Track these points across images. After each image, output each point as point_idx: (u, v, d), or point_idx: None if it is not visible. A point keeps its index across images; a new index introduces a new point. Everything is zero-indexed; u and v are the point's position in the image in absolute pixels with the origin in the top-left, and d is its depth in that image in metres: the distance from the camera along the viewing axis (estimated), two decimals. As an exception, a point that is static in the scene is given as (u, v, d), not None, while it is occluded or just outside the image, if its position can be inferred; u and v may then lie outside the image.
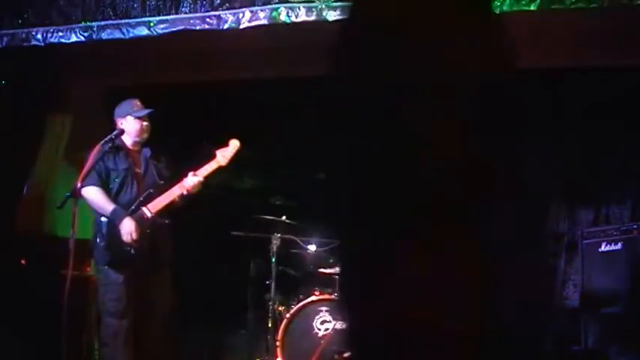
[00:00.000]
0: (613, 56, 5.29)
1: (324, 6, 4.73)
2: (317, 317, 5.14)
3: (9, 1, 5.30)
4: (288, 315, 5.18)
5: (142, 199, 4.63)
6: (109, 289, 4.62)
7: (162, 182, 4.72)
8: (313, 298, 5.21)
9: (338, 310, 5.04)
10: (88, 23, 5.13)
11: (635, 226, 5.14)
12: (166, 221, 4.66)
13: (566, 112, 5.85)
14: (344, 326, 5.04)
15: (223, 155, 4.71)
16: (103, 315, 4.67)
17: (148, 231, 4.60)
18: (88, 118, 6.09)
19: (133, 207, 4.61)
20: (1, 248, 5.48)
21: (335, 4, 4.72)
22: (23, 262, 5.55)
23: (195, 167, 4.72)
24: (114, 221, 4.55)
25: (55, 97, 6.03)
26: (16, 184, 5.89)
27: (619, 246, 5.18)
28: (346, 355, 4.91)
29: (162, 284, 4.72)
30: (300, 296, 5.35)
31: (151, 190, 4.66)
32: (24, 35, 5.27)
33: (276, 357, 5.13)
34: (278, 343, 5.14)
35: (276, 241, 5.35)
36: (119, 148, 4.73)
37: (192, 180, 4.63)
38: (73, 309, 4.37)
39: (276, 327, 5.21)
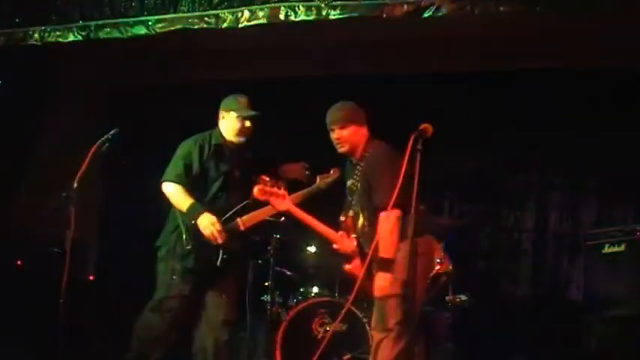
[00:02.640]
0: (614, 56, 5.26)
1: (323, 5, 4.69)
2: (316, 319, 5.11)
3: (6, 1, 5.28)
4: (287, 317, 5.14)
5: (238, 208, 4.41)
6: (172, 299, 4.44)
7: None
8: (312, 299, 5.17)
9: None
10: (86, 22, 5.09)
11: (638, 228, 5.11)
12: (256, 238, 4.58)
13: (567, 111, 5.83)
14: (342, 328, 5.03)
15: (325, 181, 4.56)
16: (150, 311, 4.49)
17: (237, 246, 4.40)
18: (86, 118, 6.08)
19: (227, 216, 4.39)
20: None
21: (335, 2, 4.67)
22: (19, 263, 5.53)
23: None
24: (191, 217, 4.30)
25: (53, 97, 6.01)
26: (14, 184, 5.87)
27: (622, 247, 5.15)
28: (345, 357, 4.89)
29: (225, 292, 4.52)
30: (299, 298, 5.32)
31: (248, 202, 4.40)
32: (21, 35, 5.24)
33: (276, 359, 5.09)
34: (277, 346, 5.11)
35: (274, 242, 5.31)
36: (220, 146, 4.50)
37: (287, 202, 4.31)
38: (70, 310, 4.34)
39: (275, 329, 5.17)
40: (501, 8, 4.38)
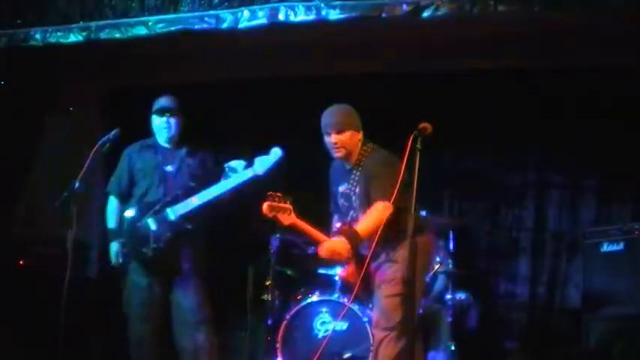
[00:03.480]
0: (613, 55, 5.28)
1: (323, 5, 4.71)
2: (317, 318, 5.11)
3: (7, 1, 5.29)
4: (287, 316, 5.15)
5: (168, 199, 4.56)
6: (133, 292, 4.63)
7: (192, 184, 4.61)
8: (313, 298, 5.18)
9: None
10: (87, 23, 5.11)
11: (636, 226, 5.13)
12: (189, 226, 4.58)
13: (566, 111, 5.85)
14: (343, 327, 5.05)
15: (261, 164, 4.52)
16: (129, 318, 4.68)
17: (169, 234, 4.54)
18: (87, 118, 6.09)
19: (156, 208, 4.56)
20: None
21: (334, 2, 4.69)
22: (21, 262, 5.55)
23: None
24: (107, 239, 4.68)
25: (54, 97, 6.02)
26: (15, 184, 5.88)
27: (620, 246, 5.17)
28: (346, 356, 4.90)
29: (189, 290, 4.66)
30: (300, 297, 5.33)
31: (179, 192, 4.58)
32: (22, 35, 5.26)
33: (277, 358, 5.11)
34: (278, 345, 5.11)
35: (275, 241, 5.33)
36: (149, 146, 4.73)
37: (219, 188, 4.50)
38: (72, 310, 4.36)
39: (275, 328, 5.18)
40: (500, 8, 4.40)
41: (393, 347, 3.91)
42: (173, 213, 4.53)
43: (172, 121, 4.69)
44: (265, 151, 4.58)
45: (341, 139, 4.02)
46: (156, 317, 4.63)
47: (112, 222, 4.74)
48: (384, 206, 3.83)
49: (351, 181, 4.10)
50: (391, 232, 3.87)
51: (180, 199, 4.55)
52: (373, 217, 3.86)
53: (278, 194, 4.00)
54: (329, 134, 4.05)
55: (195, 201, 4.52)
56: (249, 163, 4.55)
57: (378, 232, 3.79)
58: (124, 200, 4.76)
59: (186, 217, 4.54)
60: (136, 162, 4.71)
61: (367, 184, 4.02)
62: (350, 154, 4.07)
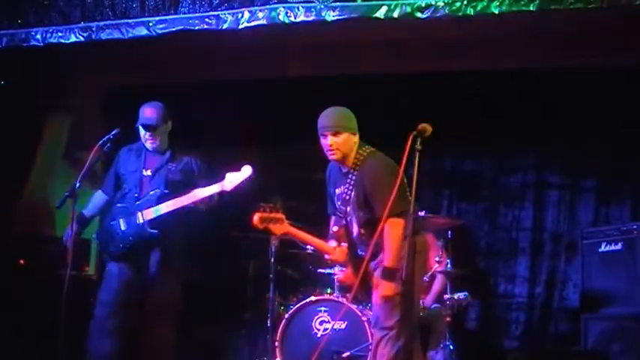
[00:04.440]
0: (612, 56, 5.29)
1: (323, 6, 4.72)
2: (316, 317, 5.13)
3: (8, 2, 5.30)
4: (287, 315, 5.17)
5: (139, 203, 4.60)
6: (105, 279, 4.70)
7: (166, 191, 4.60)
8: (312, 298, 5.20)
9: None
10: (87, 23, 5.12)
11: (635, 227, 5.14)
12: (155, 232, 4.56)
13: (565, 111, 5.86)
14: (342, 327, 5.06)
15: (230, 180, 4.49)
16: (95, 306, 4.68)
17: (131, 239, 4.58)
18: (88, 118, 6.10)
19: (129, 210, 4.62)
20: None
21: (334, 4, 4.70)
22: (22, 262, 5.56)
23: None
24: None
25: (54, 97, 6.03)
26: (16, 184, 5.89)
27: (619, 246, 5.19)
28: (345, 355, 4.92)
29: (153, 291, 4.64)
30: (299, 296, 5.35)
31: (152, 196, 4.60)
32: (23, 35, 5.27)
33: (275, 357, 5.12)
34: (277, 344, 5.14)
35: (275, 241, 5.34)
36: (135, 150, 4.76)
37: (188, 199, 4.50)
38: (72, 309, 4.37)
39: (275, 327, 5.20)
40: (499, 9, 4.42)
41: (391, 347, 3.92)
42: (142, 217, 4.57)
43: (156, 136, 4.68)
44: (257, 154, 4.61)
45: (337, 141, 4.01)
46: (121, 308, 4.63)
47: (85, 208, 4.78)
48: (394, 224, 3.84)
49: (348, 185, 4.10)
50: None
51: (152, 204, 4.57)
52: (390, 242, 3.87)
53: (269, 204, 3.97)
54: (325, 136, 4.04)
55: (162, 209, 4.54)
56: (220, 178, 4.54)
57: (379, 231, 3.80)
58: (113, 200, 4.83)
59: (153, 223, 4.56)
60: (121, 165, 4.77)
61: (364, 191, 4.01)
62: (346, 157, 4.07)
